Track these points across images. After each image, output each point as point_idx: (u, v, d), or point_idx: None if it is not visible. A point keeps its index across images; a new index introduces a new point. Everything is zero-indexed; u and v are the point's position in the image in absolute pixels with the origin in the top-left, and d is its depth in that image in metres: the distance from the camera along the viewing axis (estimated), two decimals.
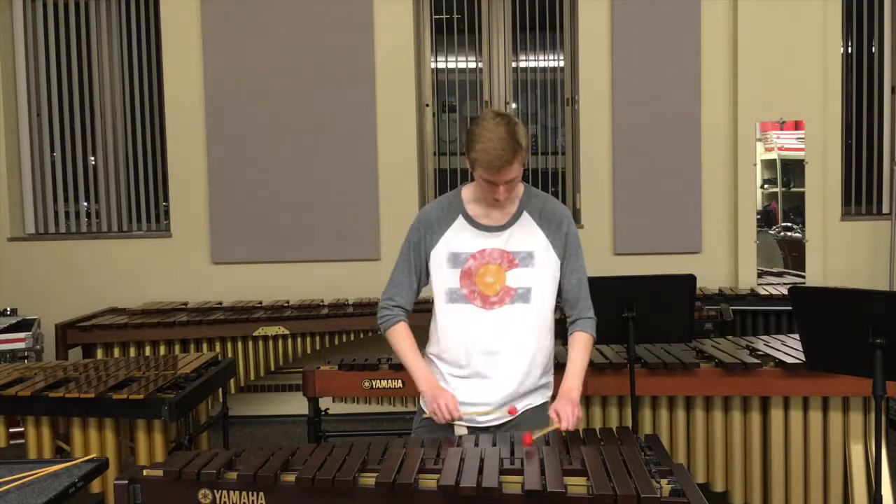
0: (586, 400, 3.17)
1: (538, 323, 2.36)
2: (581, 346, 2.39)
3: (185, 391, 3.09)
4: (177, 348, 4.64)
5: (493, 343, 2.33)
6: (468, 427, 2.31)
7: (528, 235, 2.35)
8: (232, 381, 4.30)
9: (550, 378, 2.47)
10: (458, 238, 2.35)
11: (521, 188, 2.39)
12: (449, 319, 2.37)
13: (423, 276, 2.42)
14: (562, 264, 2.38)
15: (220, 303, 5.24)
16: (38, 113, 5.73)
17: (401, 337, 2.41)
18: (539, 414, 2.37)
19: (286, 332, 4.70)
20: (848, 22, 5.48)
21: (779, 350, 3.22)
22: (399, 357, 2.42)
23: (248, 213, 5.41)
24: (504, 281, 2.32)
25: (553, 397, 2.39)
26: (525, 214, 2.37)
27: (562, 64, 5.70)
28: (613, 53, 5.34)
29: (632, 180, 5.36)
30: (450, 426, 2.30)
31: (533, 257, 2.34)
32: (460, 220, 2.37)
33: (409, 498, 1.90)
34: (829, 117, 5.29)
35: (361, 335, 4.77)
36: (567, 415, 2.21)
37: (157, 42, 5.58)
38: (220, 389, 3.67)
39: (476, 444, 2.17)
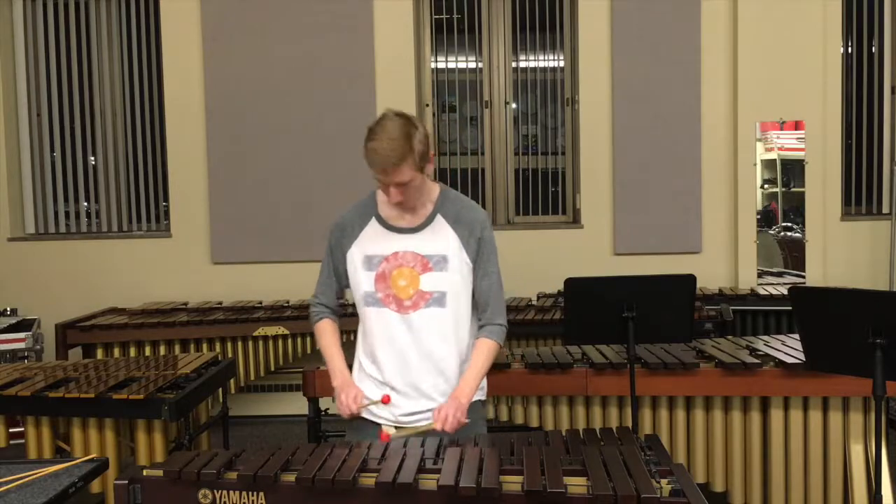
0: (586, 400, 3.17)
1: (454, 327, 2.33)
2: (480, 353, 2.33)
3: (185, 391, 3.09)
4: (177, 348, 4.64)
5: (408, 347, 2.30)
6: (396, 427, 2.31)
7: (441, 239, 2.32)
8: (232, 381, 4.29)
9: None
10: (372, 240, 2.35)
11: (436, 190, 2.36)
12: (366, 323, 2.37)
13: (343, 279, 2.43)
14: (474, 268, 2.35)
15: (220, 303, 5.24)
16: (38, 113, 5.73)
17: (322, 332, 2.45)
18: (470, 415, 2.30)
19: (286, 332, 4.70)
20: (848, 22, 5.47)
21: (779, 350, 3.22)
22: (321, 351, 2.45)
23: (248, 213, 5.41)
24: (418, 284, 2.30)
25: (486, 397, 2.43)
26: (439, 217, 2.34)
27: (562, 64, 5.71)
28: (613, 53, 5.34)
29: (632, 180, 5.36)
30: (378, 426, 2.32)
31: (447, 261, 2.31)
32: (373, 223, 2.37)
33: (409, 498, 1.90)
34: (829, 117, 5.29)
35: None
36: (446, 416, 2.19)
37: (157, 42, 5.58)
38: (220, 389, 3.67)
39: (476, 444, 2.17)
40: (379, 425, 2.33)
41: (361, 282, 2.35)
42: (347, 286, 2.44)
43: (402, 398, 2.33)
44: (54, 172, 5.78)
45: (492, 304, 2.36)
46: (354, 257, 2.36)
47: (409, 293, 2.30)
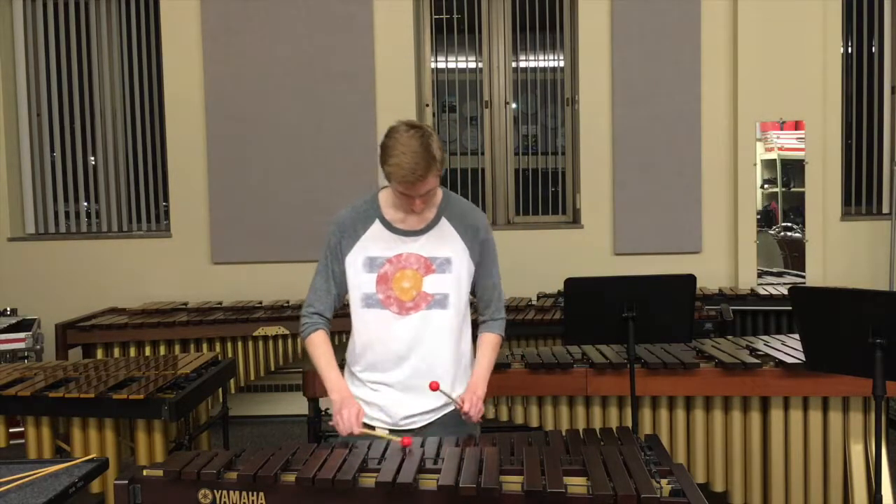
0: (586, 400, 3.17)
1: (454, 329, 2.34)
2: (488, 347, 2.42)
3: (185, 391, 3.09)
4: (177, 348, 4.64)
5: (408, 349, 2.30)
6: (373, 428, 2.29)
7: (446, 241, 2.33)
8: (232, 381, 4.29)
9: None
10: (375, 242, 2.33)
11: (439, 194, 2.37)
12: (364, 324, 2.34)
13: (343, 283, 2.38)
14: (476, 269, 2.37)
15: (220, 303, 5.24)
16: (38, 113, 5.73)
17: (316, 345, 2.37)
18: (459, 417, 2.30)
19: (286, 332, 4.70)
20: (848, 22, 5.48)
21: (779, 350, 3.22)
22: (315, 366, 2.37)
23: (248, 213, 5.41)
24: (421, 286, 2.30)
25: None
26: (444, 220, 2.35)
27: (562, 64, 5.71)
28: (613, 53, 5.34)
29: (632, 180, 5.36)
30: (371, 428, 2.29)
31: (450, 263, 2.32)
32: (377, 225, 2.35)
33: (409, 498, 1.90)
34: (829, 117, 5.29)
35: None
36: (472, 403, 2.25)
37: (157, 42, 5.58)
38: (220, 389, 3.67)
39: (475, 445, 2.17)
40: (373, 427, 2.32)
41: (362, 283, 2.33)
42: (346, 292, 2.40)
43: (401, 398, 2.32)
44: (54, 172, 5.77)
45: (495, 301, 2.43)
46: (356, 259, 2.34)
47: (412, 295, 2.30)
